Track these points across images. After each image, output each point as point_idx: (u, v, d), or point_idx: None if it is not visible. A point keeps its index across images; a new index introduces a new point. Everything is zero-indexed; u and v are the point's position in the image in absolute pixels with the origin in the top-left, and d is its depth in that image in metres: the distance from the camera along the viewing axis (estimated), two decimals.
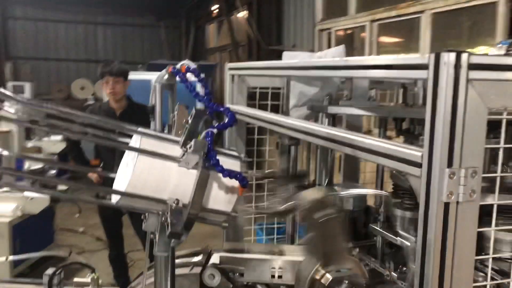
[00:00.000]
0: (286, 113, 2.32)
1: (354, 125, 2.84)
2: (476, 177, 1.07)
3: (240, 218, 2.70)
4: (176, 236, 1.19)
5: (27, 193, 4.90)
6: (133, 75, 8.12)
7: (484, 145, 1.08)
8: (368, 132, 3.97)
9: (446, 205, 1.06)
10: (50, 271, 1.91)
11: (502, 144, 1.15)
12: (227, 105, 2.57)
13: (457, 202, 1.07)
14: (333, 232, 1.34)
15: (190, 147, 1.22)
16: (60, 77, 14.15)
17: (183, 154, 1.26)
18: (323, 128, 1.53)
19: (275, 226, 3.18)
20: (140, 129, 1.33)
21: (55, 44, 14.30)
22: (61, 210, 7.63)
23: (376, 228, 1.96)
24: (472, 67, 1.03)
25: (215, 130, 1.25)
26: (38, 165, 5.66)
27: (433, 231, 1.07)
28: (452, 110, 1.04)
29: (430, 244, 1.08)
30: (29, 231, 5.15)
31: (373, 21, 6.49)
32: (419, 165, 1.11)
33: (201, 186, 1.22)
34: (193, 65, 1.55)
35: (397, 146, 1.19)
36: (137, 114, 3.76)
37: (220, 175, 1.27)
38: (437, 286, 1.08)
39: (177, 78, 1.54)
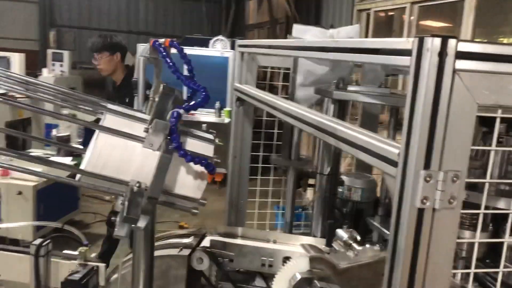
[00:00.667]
0: (291, 94, 2.20)
1: (370, 113, 2.69)
2: (458, 182, 0.93)
3: (243, 201, 2.63)
4: (131, 221, 1.13)
5: (52, 158, 5.00)
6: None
7: (470, 146, 0.94)
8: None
9: (420, 212, 0.94)
10: (37, 241, 1.90)
11: (494, 146, 1.00)
12: (236, 84, 2.48)
13: (433, 209, 0.94)
14: None
15: (151, 127, 1.14)
16: None
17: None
18: (310, 114, 1.41)
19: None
20: (110, 105, 1.26)
21: (98, 14, 14.52)
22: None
23: (372, 221, 1.84)
24: (461, 55, 0.89)
25: (181, 111, 1.17)
26: (66, 132, 5.75)
27: (404, 240, 0.95)
28: (434, 103, 0.90)
29: (399, 253, 0.96)
30: (54, 197, 5.27)
31: (413, 3, 6.16)
32: (395, 164, 0.99)
33: (162, 170, 1.14)
34: (177, 43, 1.45)
35: (377, 141, 1.07)
36: (133, 87, 3.71)
37: (195, 163, 1.19)
38: None
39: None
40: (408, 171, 0.94)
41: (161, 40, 1.44)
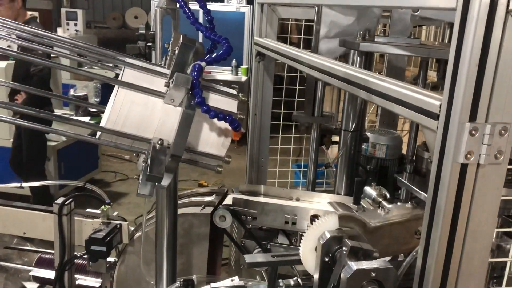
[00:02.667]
0: (314, 47, 2.10)
1: (396, 67, 2.58)
2: (506, 135, 0.86)
3: (264, 159, 2.58)
4: (154, 179, 1.08)
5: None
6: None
7: None
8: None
9: (463, 167, 0.87)
10: (60, 200, 1.90)
11: None
12: (255, 38, 2.38)
13: (478, 165, 0.87)
14: None
15: (172, 82, 1.08)
16: (115, 6, 14.15)
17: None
18: (337, 67, 1.33)
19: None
20: (129, 59, 1.20)
21: None
22: None
23: (400, 179, 1.78)
24: None
25: (203, 63, 1.10)
26: (83, 92, 5.74)
27: (444, 198, 0.89)
28: (483, 49, 0.82)
29: (439, 212, 0.90)
30: (74, 156, 5.33)
31: None
32: (436, 117, 0.91)
33: (185, 126, 1.09)
34: None
35: (415, 92, 0.99)
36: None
37: (219, 120, 1.13)
38: (444, 257, 0.91)
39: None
40: (451, 124, 0.87)
41: None
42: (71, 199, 1.90)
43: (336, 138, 2.28)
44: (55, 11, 12.09)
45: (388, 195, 1.42)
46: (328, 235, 1.14)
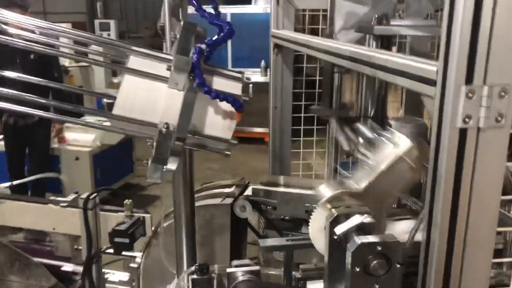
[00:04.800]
0: (329, 37, 2.08)
1: (418, 51, 2.52)
2: (506, 97, 0.83)
3: (286, 152, 2.58)
4: (160, 162, 1.11)
5: (106, 124, 5.14)
6: (209, 10, 8.08)
7: None
8: None
9: (462, 132, 0.85)
10: (84, 195, 1.96)
11: None
12: (272, 30, 2.39)
13: (478, 129, 0.85)
14: None
15: (173, 65, 1.10)
16: (147, 15, 14.48)
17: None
18: (344, 46, 1.32)
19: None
20: (134, 47, 1.23)
21: None
22: (145, 143, 8.06)
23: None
24: None
25: (203, 46, 1.12)
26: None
27: (444, 164, 0.87)
28: (476, 5, 0.80)
29: (441, 179, 0.88)
30: (109, 161, 5.47)
31: None
32: (433, 83, 0.89)
33: (188, 109, 1.11)
34: None
35: (412, 61, 0.97)
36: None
37: (221, 100, 1.15)
38: (448, 226, 0.89)
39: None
40: (447, 88, 0.85)
41: None
42: (96, 194, 1.96)
43: None
44: (90, 23, 12.49)
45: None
46: (335, 213, 1.13)
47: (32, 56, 4.26)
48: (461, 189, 0.88)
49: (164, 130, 1.13)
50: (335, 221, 1.13)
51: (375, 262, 1.00)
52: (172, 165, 1.15)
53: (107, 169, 5.43)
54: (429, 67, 0.90)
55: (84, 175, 5.11)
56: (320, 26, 2.51)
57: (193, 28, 1.13)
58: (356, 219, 1.08)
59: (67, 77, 6.12)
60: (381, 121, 2.07)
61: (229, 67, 8.01)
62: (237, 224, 2.01)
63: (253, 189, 2.00)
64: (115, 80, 8.59)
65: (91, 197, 1.93)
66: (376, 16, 1.82)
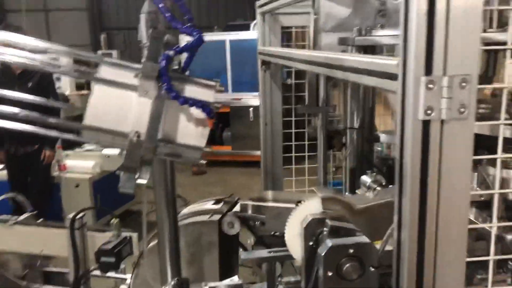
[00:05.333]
0: (314, 40, 2.08)
1: None
2: (467, 87, 0.82)
3: (278, 168, 2.56)
4: (129, 170, 1.10)
5: (105, 151, 5.17)
6: (208, 37, 8.21)
7: (479, 45, 0.82)
8: None
9: (425, 124, 0.83)
10: (71, 215, 1.94)
11: (510, 44, 0.87)
12: (259, 47, 2.41)
13: (442, 121, 0.83)
14: None
15: (140, 72, 1.10)
16: None
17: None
18: (318, 54, 1.32)
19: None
20: (106, 58, 1.23)
21: None
22: None
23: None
24: None
25: (171, 52, 1.11)
26: None
27: (409, 158, 0.85)
28: None
29: (406, 174, 0.86)
30: (109, 187, 5.45)
31: None
32: (395, 77, 0.88)
33: (156, 116, 1.10)
34: None
35: (378, 59, 0.96)
36: (39, 72, 3.78)
37: (190, 106, 1.14)
38: (417, 224, 0.86)
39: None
40: (407, 80, 0.83)
41: None
42: (82, 214, 1.94)
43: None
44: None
45: (383, 182, 1.37)
46: (310, 218, 1.11)
47: (30, 84, 4.32)
48: (428, 184, 0.85)
49: (135, 139, 1.12)
50: (310, 226, 1.10)
51: (348, 265, 0.97)
52: (144, 176, 1.14)
53: (107, 196, 5.42)
54: (391, 62, 0.89)
55: (85, 202, 5.09)
56: (308, 43, 2.52)
57: (161, 36, 1.14)
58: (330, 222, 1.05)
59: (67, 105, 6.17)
60: (369, 133, 2.06)
61: (229, 91, 8.07)
62: (226, 241, 1.98)
63: (241, 204, 1.97)
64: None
65: (77, 217, 1.91)
66: (357, 27, 1.83)
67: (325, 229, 1.06)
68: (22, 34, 1.24)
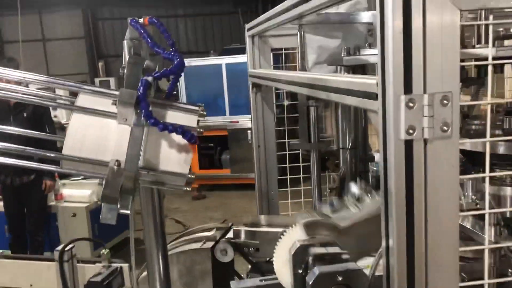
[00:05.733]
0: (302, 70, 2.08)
1: None
2: (449, 105, 0.79)
3: (273, 192, 2.52)
4: (109, 200, 1.07)
5: None
6: (204, 61, 8.26)
7: (459, 62, 0.80)
8: None
9: (408, 145, 0.80)
10: (60, 247, 1.90)
11: (490, 59, 0.85)
12: (250, 70, 2.40)
13: (425, 141, 0.80)
14: None
15: (117, 99, 1.07)
16: None
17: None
18: (303, 75, 1.30)
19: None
20: (85, 86, 1.21)
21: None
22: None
23: None
24: None
25: (149, 78, 1.09)
26: None
27: (393, 179, 0.82)
28: (405, 13, 0.77)
29: (391, 197, 0.83)
30: None
31: None
32: (375, 96, 0.86)
33: (135, 144, 1.08)
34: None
35: (356, 78, 0.94)
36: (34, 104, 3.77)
37: (169, 132, 1.12)
38: (405, 248, 0.82)
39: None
40: (387, 99, 0.81)
41: (140, 20, 1.38)
42: (71, 245, 1.89)
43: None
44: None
45: (374, 192, 1.33)
46: (298, 244, 1.07)
47: (25, 114, 4.33)
48: (415, 206, 0.82)
49: (115, 167, 1.09)
50: (298, 253, 1.06)
51: None
52: (125, 206, 1.11)
53: (105, 225, 5.32)
54: (370, 81, 0.87)
55: (82, 231, 5.03)
56: (297, 64, 2.51)
57: (140, 62, 1.12)
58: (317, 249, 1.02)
59: (63, 134, 6.16)
60: (363, 152, 2.03)
61: (227, 114, 8.08)
62: (220, 269, 1.93)
63: (234, 230, 1.93)
64: None
65: (66, 248, 1.86)
66: (344, 47, 1.82)
67: (310, 256, 1.02)
68: (15, 65, 1.23)
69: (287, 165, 2.57)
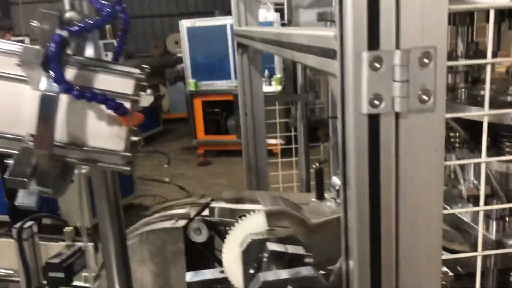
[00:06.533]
0: (289, 18, 1.83)
1: None
2: (431, 65, 0.56)
3: (262, 161, 2.32)
4: (15, 184, 0.87)
5: None
6: (209, 21, 7.92)
7: (447, 5, 0.56)
8: None
9: (374, 121, 0.58)
10: (18, 224, 1.74)
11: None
12: (235, 28, 2.15)
13: (397, 115, 0.58)
14: None
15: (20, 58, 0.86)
16: (156, 34, 14.50)
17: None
18: (271, 30, 1.07)
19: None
20: None
21: (148, 1, 14.61)
22: (151, 161, 7.92)
23: None
24: None
25: (64, 32, 0.87)
26: None
27: (352, 168, 0.60)
28: None
29: (351, 190, 0.61)
30: None
31: None
32: (333, 54, 0.63)
33: (46, 114, 0.87)
34: None
35: (315, 31, 0.71)
36: None
37: (88, 100, 0.91)
38: (369, 251, 0.62)
39: None
40: (345, 58, 0.58)
41: None
42: (31, 223, 1.73)
43: None
44: None
45: None
46: (249, 239, 0.87)
47: None
48: (381, 200, 0.61)
49: (30, 143, 0.89)
50: (250, 250, 0.87)
51: None
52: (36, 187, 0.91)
53: None
54: (328, 33, 0.64)
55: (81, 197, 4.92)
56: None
57: (51, 16, 0.90)
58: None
59: None
60: None
61: (232, 78, 7.79)
62: (194, 250, 1.75)
63: (209, 208, 1.74)
64: None
65: (25, 225, 1.70)
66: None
67: (264, 254, 0.82)
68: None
69: (277, 134, 2.35)
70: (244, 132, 2.25)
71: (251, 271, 0.86)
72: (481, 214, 0.67)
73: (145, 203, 6.27)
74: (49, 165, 0.90)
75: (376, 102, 0.57)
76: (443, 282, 0.94)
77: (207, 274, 1.18)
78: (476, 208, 0.70)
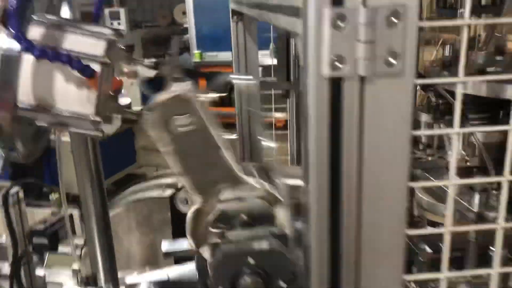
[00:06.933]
0: None
1: None
2: (400, 25, 0.51)
3: (258, 134, 2.28)
4: None
5: None
6: None
7: None
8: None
9: (334, 84, 0.54)
10: (3, 190, 1.72)
11: None
12: None
13: (362, 79, 0.53)
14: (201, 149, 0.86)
15: None
16: (163, 3, 14.30)
17: None
18: None
19: None
20: None
21: None
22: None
23: None
24: None
25: None
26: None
27: (312, 139, 0.56)
28: None
29: (308, 163, 0.57)
30: (108, 152, 5.25)
31: None
32: (296, 12, 0.58)
33: (7, 74, 0.83)
34: None
35: None
36: None
37: (50, 60, 0.87)
38: (328, 226, 0.58)
39: None
40: (309, 16, 0.53)
41: None
42: (17, 188, 1.71)
43: None
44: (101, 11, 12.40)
45: None
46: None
47: None
48: (343, 175, 0.57)
49: None
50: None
51: (247, 280, 0.70)
52: (4, 148, 0.89)
53: (106, 161, 5.20)
54: None
55: None
56: None
57: None
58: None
59: None
60: None
61: None
62: (181, 220, 1.74)
63: None
64: (125, 69, 8.39)
65: (11, 191, 1.69)
66: None
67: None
68: None
69: (272, 105, 2.30)
70: (237, 103, 2.20)
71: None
72: (451, 189, 0.63)
73: (148, 174, 6.28)
74: (13, 129, 0.87)
75: (338, 64, 0.52)
76: (421, 259, 0.91)
77: (184, 244, 1.16)
78: (444, 182, 0.65)
